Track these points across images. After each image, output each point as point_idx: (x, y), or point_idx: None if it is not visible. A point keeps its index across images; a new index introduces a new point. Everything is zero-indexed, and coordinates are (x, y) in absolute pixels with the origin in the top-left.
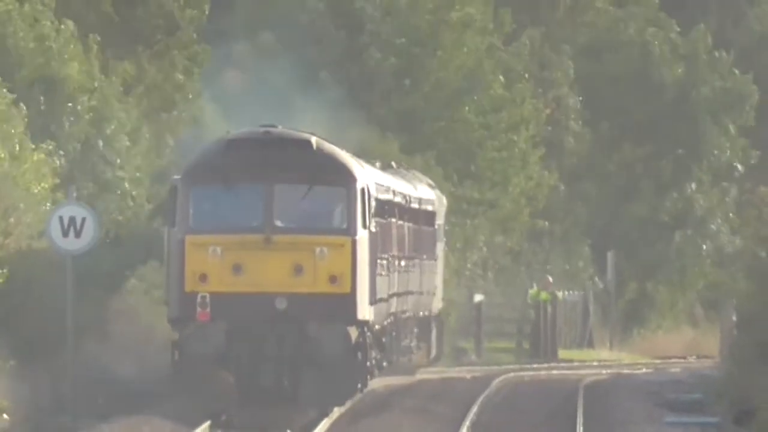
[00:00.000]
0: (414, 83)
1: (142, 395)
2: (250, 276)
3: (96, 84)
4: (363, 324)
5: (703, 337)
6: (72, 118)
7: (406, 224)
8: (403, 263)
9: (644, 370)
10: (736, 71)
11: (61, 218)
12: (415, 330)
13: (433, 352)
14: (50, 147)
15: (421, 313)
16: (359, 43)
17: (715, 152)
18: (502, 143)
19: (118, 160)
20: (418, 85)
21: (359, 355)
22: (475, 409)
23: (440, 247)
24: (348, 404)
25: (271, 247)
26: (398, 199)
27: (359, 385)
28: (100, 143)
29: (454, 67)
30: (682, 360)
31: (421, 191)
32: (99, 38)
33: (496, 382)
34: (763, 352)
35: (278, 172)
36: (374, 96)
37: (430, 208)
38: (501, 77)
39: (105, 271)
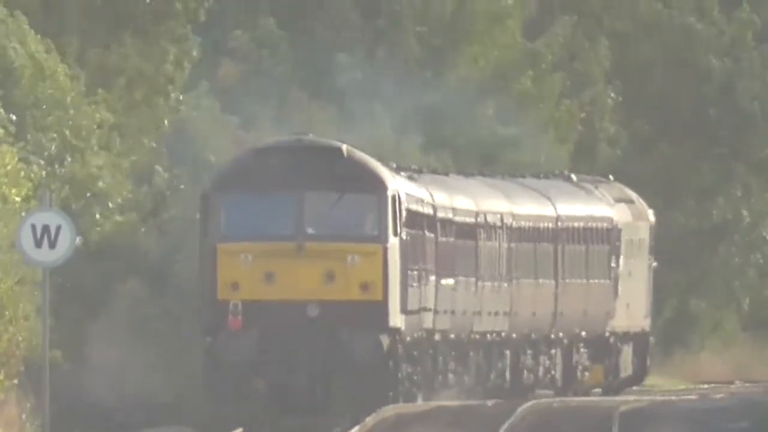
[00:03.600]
0: (436, 77)
1: (126, 426)
2: (282, 284)
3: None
4: (394, 332)
5: (752, 359)
6: (35, 112)
7: (485, 242)
8: (451, 281)
9: (687, 396)
10: None
11: (33, 226)
12: (582, 350)
13: (627, 372)
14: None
15: (582, 333)
16: (376, 27)
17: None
18: (527, 146)
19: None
20: (441, 79)
21: (391, 363)
22: None
23: (635, 265)
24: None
25: (303, 254)
26: (446, 213)
27: (391, 394)
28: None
29: (480, 63)
30: (729, 385)
31: (566, 208)
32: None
33: (520, 409)
34: None
35: (309, 179)
36: (390, 87)
37: (596, 225)
38: (530, 71)
39: (83, 286)
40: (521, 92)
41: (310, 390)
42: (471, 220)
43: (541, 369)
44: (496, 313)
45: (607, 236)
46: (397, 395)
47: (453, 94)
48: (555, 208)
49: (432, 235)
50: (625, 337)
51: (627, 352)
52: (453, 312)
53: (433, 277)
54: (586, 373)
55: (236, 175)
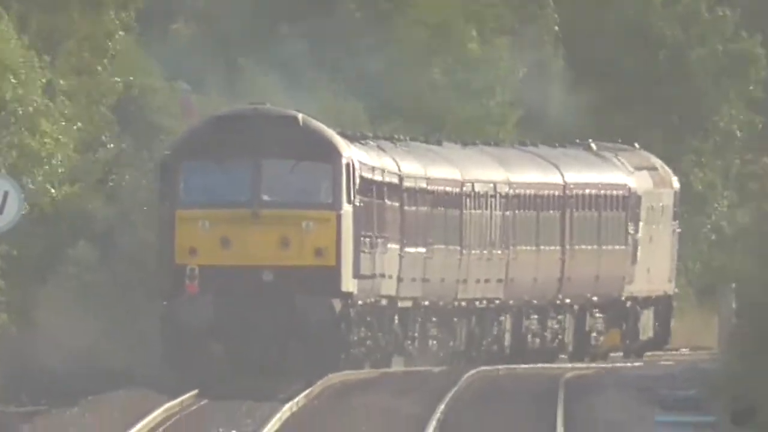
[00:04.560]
0: (382, 41)
1: (75, 391)
2: (238, 249)
3: None
4: (347, 296)
5: (699, 326)
6: None
7: (473, 210)
8: (422, 249)
9: (633, 363)
10: (744, 34)
11: None
12: (597, 315)
13: (647, 335)
14: None
15: (594, 298)
16: None
17: (715, 119)
18: (474, 106)
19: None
20: (386, 43)
21: (343, 326)
22: (442, 407)
23: (657, 231)
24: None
25: (259, 221)
26: (416, 183)
27: (342, 356)
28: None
29: (423, 23)
30: (675, 352)
31: (576, 176)
32: None
33: (466, 376)
34: (766, 343)
35: (265, 147)
36: (339, 54)
37: (611, 192)
38: (474, 32)
39: (31, 253)
40: (468, 53)
41: (265, 353)
42: (454, 189)
43: (548, 334)
44: (487, 281)
45: (623, 203)
46: (349, 358)
47: (398, 58)
48: (563, 176)
49: (396, 204)
50: (646, 301)
51: (647, 315)
52: (427, 279)
53: (394, 245)
54: (601, 338)
55: (194, 143)
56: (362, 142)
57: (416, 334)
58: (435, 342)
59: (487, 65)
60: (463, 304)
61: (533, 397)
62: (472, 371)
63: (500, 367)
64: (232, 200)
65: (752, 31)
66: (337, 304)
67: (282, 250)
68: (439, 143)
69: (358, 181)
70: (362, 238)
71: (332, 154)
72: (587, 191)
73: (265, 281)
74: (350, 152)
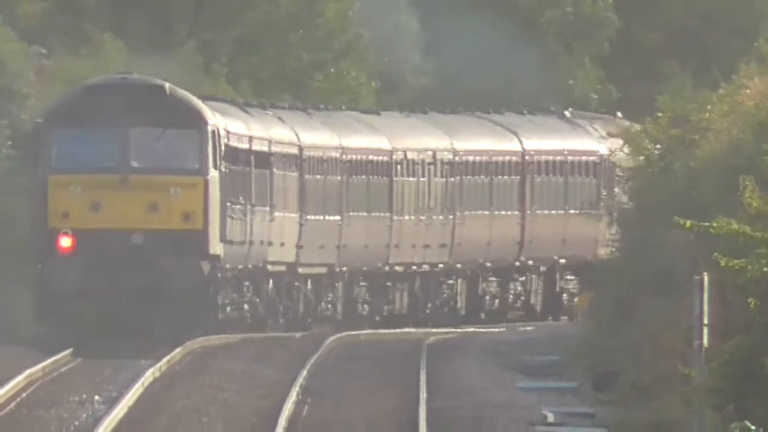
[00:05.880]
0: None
1: None
2: (108, 213)
3: None
4: (214, 259)
5: None
6: None
7: (406, 178)
8: (336, 217)
9: (495, 329)
10: None
11: None
12: (568, 278)
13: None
14: None
15: (561, 260)
16: None
17: (570, 82)
18: (332, 75)
19: None
20: (252, 12)
21: (211, 288)
22: (304, 372)
23: None
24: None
25: (128, 186)
26: (324, 153)
27: (212, 318)
28: None
29: None
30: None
31: (536, 143)
32: None
33: (328, 342)
34: (623, 310)
35: (134, 115)
36: (204, 23)
37: (579, 159)
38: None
39: None
40: (327, 20)
41: (135, 315)
42: (380, 157)
43: (511, 295)
44: (427, 246)
45: (594, 169)
46: (216, 318)
47: (261, 24)
48: (521, 143)
49: (294, 174)
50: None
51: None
52: (344, 246)
53: (290, 213)
54: (575, 299)
55: (66, 111)
56: (247, 111)
57: (336, 299)
58: (366, 306)
59: (342, 33)
60: (398, 268)
61: (397, 362)
62: (334, 337)
63: (363, 332)
64: (103, 166)
65: None
66: (206, 266)
67: (151, 214)
68: (377, 113)
69: (224, 146)
70: (232, 205)
71: (198, 121)
72: (550, 158)
73: (134, 244)
74: (216, 120)
